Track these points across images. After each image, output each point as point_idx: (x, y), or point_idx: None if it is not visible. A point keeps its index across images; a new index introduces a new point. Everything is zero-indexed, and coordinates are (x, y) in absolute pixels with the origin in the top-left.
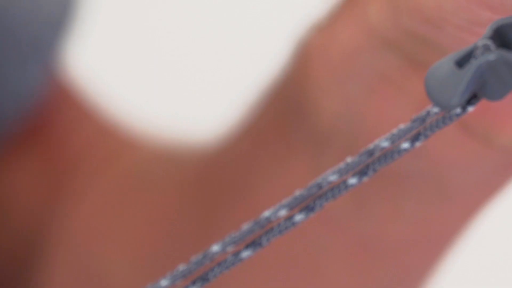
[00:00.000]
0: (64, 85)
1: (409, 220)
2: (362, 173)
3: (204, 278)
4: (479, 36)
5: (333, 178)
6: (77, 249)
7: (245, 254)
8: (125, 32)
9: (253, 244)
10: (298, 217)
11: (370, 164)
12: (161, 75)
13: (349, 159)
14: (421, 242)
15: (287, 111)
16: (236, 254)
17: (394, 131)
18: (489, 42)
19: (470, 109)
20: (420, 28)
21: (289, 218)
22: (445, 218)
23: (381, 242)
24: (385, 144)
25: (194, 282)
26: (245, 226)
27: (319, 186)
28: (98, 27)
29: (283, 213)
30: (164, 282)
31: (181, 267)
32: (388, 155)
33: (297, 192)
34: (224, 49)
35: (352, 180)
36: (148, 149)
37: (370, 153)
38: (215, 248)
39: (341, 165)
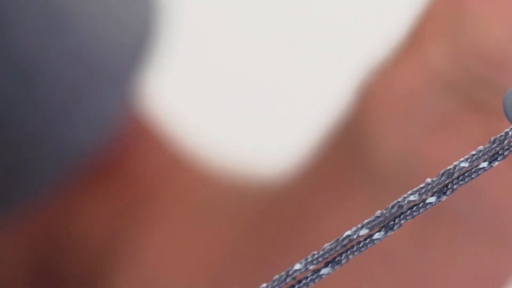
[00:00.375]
0: (140, 117)
1: (466, 262)
2: (441, 192)
3: None
4: None
5: (413, 198)
6: (145, 275)
7: (325, 271)
8: (199, 64)
9: (333, 261)
10: (378, 236)
11: (449, 183)
12: (233, 108)
13: (429, 180)
14: (477, 284)
15: (348, 150)
16: (317, 271)
17: (473, 152)
18: None
19: None
20: (481, 70)
21: (369, 236)
22: (502, 262)
23: (437, 282)
24: (464, 164)
25: None
26: (327, 245)
27: (400, 206)
28: (176, 58)
29: (363, 232)
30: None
31: (264, 285)
32: (466, 175)
33: (378, 212)
34: (291, 89)
35: (431, 199)
36: (219, 182)
37: (450, 173)
38: (298, 266)
39: (422, 185)
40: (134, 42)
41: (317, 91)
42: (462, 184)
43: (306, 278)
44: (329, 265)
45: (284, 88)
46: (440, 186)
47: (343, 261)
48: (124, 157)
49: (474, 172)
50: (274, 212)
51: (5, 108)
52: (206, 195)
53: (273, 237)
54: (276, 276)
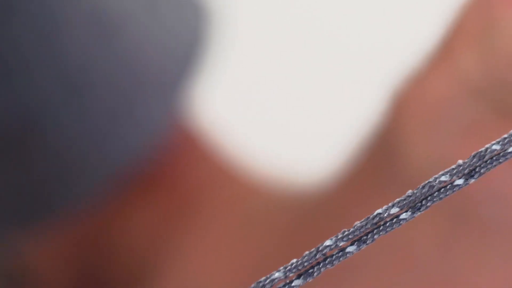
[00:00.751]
0: (188, 126)
1: (493, 270)
2: (469, 175)
3: (309, 273)
4: None
5: (444, 178)
6: (187, 282)
7: (351, 249)
8: (246, 73)
9: (360, 240)
10: (404, 216)
11: (478, 166)
12: (275, 118)
13: (460, 161)
14: None
15: (381, 158)
16: (343, 249)
17: (505, 135)
18: None
19: None
20: (511, 77)
21: (396, 216)
22: None
23: None
24: (496, 147)
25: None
26: (358, 223)
27: (431, 186)
28: (225, 68)
29: (394, 210)
30: (277, 274)
31: (294, 260)
32: (495, 159)
33: (409, 192)
34: (328, 99)
35: (459, 181)
36: (263, 191)
37: (481, 155)
38: (328, 242)
39: (453, 166)
40: (183, 50)
41: (351, 101)
42: (490, 168)
43: (332, 256)
44: (355, 243)
45: (321, 98)
46: (470, 168)
47: (368, 241)
48: (171, 165)
49: (503, 156)
50: (311, 220)
51: (55, 116)
52: (250, 204)
53: (311, 245)
54: (307, 252)
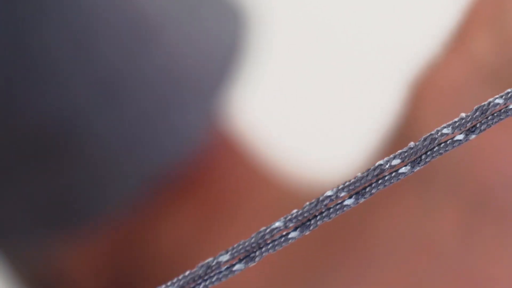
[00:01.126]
0: (225, 131)
1: (511, 257)
2: (470, 131)
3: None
4: None
5: (446, 131)
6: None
7: (349, 202)
8: (284, 78)
9: (358, 193)
10: (404, 170)
11: (480, 122)
12: (309, 121)
13: (463, 115)
14: None
15: (398, 147)
16: (341, 202)
17: (509, 90)
18: None
19: None
20: None
21: (395, 170)
22: None
23: (483, 277)
24: (499, 101)
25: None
26: (359, 174)
27: (433, 139)
28: (263, 73)
29: (395, 162)
30: (277, 223)
31: (295, 211)
32: (496, 114)
33: (411, 144)
34: (357, 100)
35: (460, 136)
36: (299, 194)
37: (484, 109)
38: (329, 192)
39: (455, 119)
40: (222, 55)
41: (370, 94)
42: (491, 124)
43: (329, 209)
44: (353, 196)
45: (353, 98)
46: (473, 122)
47: (366, 195)
48: (207, 170)
49: (504, 112)
50: (346, 220)
51: (91, 122)
52: (286, 207)
53: (337, 240)
54: (307, 203)
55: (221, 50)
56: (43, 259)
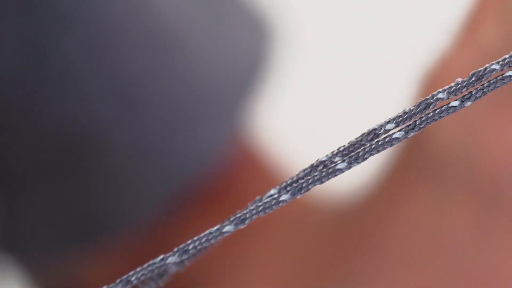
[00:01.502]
0: (247, 144)
1: None
2: (464, 97)
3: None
4: None
5: (441, 96)
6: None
7: (341, 166)
8: (307, 92)
9: (351, 157)
10: (398, 135)
11: (479, 88)
12: (328, 132)
13: (459, 80)
14: None
15: (411, 145)
16: (335, 165)
17: (506, 55)
18: None
19: None
20: None
21: (389, 135)
22: None
23: (499, 274)
24: (495, 67)
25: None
26: (353, 139)
27: (428, 104)
28: (286, 87)
29: (390, 126)
30: (272, 191)
31: (289, 178)
32: (492, 82)
33: (406, 108)
34: (372, 106)
35: (455, 103)
36: (320, 207)
37: (480, 75)
38: (323, 158)
39: (452, 84)
40: (246, 68)
41: (382, 90)
42: (486, 91)
43: (322, 172)
44: (346, 160)
45: (370, 109)
46: (469, 88)
47: (360, 160)
48: (230, 183)
49: (500, 79)
50: (347, 226)
51: (112, 133)
52: (309, 221)
53: (350, 245)
54: (301, 169)
55: (245, 62)
56: (63, 272)
